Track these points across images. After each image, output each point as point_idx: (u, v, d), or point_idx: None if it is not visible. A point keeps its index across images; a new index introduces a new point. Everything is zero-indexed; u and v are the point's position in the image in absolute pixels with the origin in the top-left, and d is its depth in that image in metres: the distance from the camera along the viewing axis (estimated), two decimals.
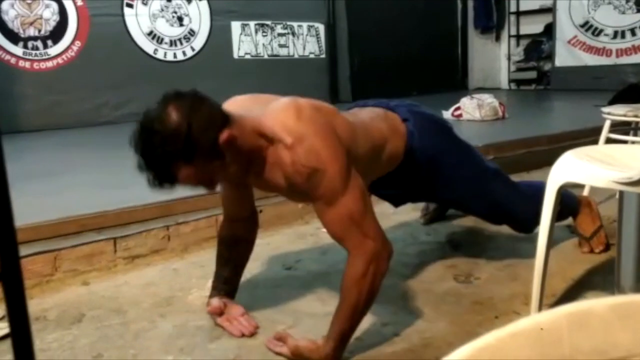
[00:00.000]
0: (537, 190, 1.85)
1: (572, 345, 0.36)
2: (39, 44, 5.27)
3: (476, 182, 1.83)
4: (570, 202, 2.06)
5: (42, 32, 5.28)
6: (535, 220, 1.82)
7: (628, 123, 2.72)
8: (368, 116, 1.68)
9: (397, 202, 2.04)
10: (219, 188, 1.60)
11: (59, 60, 5.36)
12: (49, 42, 5.31)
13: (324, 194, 1.35)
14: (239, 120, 1.36)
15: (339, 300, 1.40)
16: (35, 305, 1.85)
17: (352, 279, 1.37)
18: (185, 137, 1.24)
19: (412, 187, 1.83)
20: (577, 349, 0.36)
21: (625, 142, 2.61)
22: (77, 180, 2.99)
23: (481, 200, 1.87)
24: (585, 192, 2.41)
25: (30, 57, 5.22)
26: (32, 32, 5.23)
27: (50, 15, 5.31)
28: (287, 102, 1.41)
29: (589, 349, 0.36)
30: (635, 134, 2.77)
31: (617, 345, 0.36)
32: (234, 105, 1.51)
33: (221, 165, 1.33)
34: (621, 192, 1.60)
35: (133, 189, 2.70)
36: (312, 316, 1.69)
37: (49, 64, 5.31)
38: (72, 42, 5.40)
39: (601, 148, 1.91)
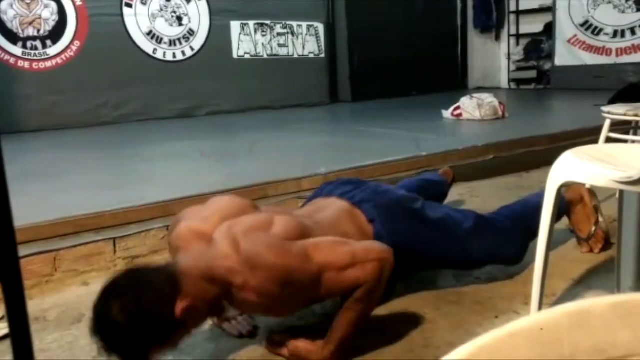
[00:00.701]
0: (520, 218, 1.88)
1: (572, 344, 0.36)
2: (38, 43, 5.27)
3: (455, 251, 1.78)
4: (560, 204, 2.04)
5: (41, 32, 5.28)
6: (521, 252, 1.86)
7: (628, 122, 2.72)
8: (333, 216, 1.64)
9: None
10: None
11: (58, 60, 5.36)
12: (48, 42, 5.31)
13: (309, 282, 1.33)
14: (188, 275, 1.28)
15: (344, 308, 1.40)
16: (34, 305, 1.85)
17: (363, 294, 1.36)
18: (140, 335, 1.20)
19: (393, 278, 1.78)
20: (577, 348, 0.36)
21: (625, 141, 2.61)
22: (77, 180, 2.98)
23: (465, 263, 1.85)
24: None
25: (29, 57, 5.22)
26: (31, 32, 5.23)
27: (49, 15, 5.31)
28: (221, 243, 1.35)
29: (589, 348, 0.36)
30: (635, 133, 2.77)
31: (616, 344, 0.35)
32: (182, 239, 1.45)
33: (189, 327, 1.30)
34: (621, 192, 1.60)
35: (132, 188, 2.71)
36: (311, 317, 1.69)
37: (48, 64, 5.32)
38: (71, 42, 5.40)
39: (601, 147, 1.91)
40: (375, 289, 1.38)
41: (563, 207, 2.06)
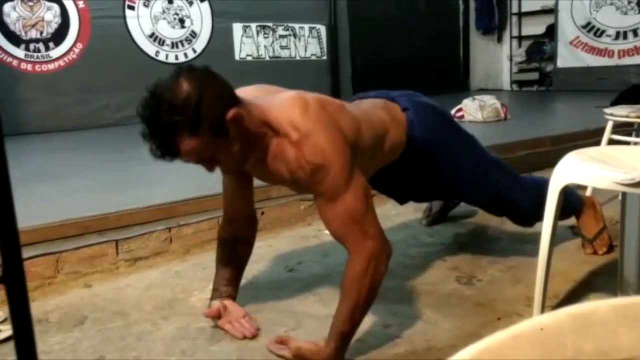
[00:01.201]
0: (540, 185, 1.85)
1: (575, 347, 0.36)
2: (41, 46, 5.28)
3: (477, 171, 1.82)
4: (574, 201, 2.05)
5: (44, 34, 5.29)
6: (536, 214, 1.81)
7: (630, 124, 2.72)
8: (369, 106, 1.69)
9: (400, 198, 2.04)
10: (219, 177, 1.59)
11: (61, 62, 5.37)
12: (51, 44, 5.32)
13: (326, 191, 1.35)
14: (246, 104, 1.37)
15: (339, 301, 1.40)
16: (37, 307, 1.85)
17: (352, 278, 1.37)
18: (194, 107, 1.25)
19: (414, 177, 1.82)
20: (580, 351, 0.36)
21: (627, 143, 2.61)
22: (79, 182, 2.99)
23: (482, 190, 1.87)
24: (588, 193, 2.41)
25: (32, 59, 5.23)
26: (34, 34, 5.24)
27: (52, 17, 5.32)
28: (294, 96, 1.42)
29: (592, 351, 0.36)
30: (637, 135, 2.76)
31: (620, 346, 0.35)
32: (241, 93, 1.50)
33: (224, 144, 1.34)
34: (624, 194, 1.59)
35: (135, 190, 2.71)
36: (314, 318, 1.69)
37: (51, 66, 5.33)
38: (74, 44, 5.41)
39: (604, 149, 1.91)
40: (364, 271, 1.35)
41: (576, 204, 2.07)
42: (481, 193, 1.89)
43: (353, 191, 1.35)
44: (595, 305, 0.37)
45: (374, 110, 1.67)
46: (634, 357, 0.36)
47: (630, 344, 0.36)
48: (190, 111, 1.25)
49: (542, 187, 1.76)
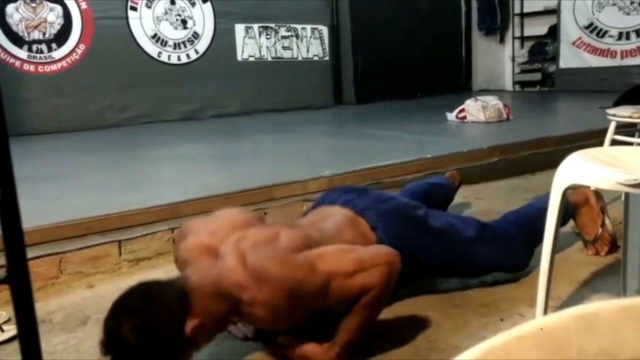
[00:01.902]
0: (524, 224, 1.88)
1: (580, 347, 0.36)
2: (44, 47, 5.29)
3: (458, 259, 1.78)
4: (566, 206, 2.04)
5: (47, 35, 5.30)
6: (526, 259, 1.87)
7: (633, 124, 2.71)
8: (336, 225, 1.65)
9: None
10: None
11: (64, 63, 5.38)
12: (54, 45, 5.33)
13: (316, 292, 1.34)
14: (198, 292, 1.28)
15: (351, 313, 1.39)
16: (40, 308, 1.85)
17: (371, 298, 1.37)
18: (155, 349, 1.20)
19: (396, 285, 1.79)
20: (585, 351, 0.36)
21: (630, 143, 2.61)
22: (82, 183, 2.99)
23: (468, 271, 1.85)
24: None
25: (34, 60, 5.25)
26: (36, 35, 5.26)
27: (54, 18, 5.33)
28: (228, 257, 1.36)
29: (597, 351, 0.36)
30: None
31: (624, 347, 0.35)
32: (190, 251, 1.46)
33: (200, 343, 1.31)
34: (627, 194, 1.59)
35: (138, 191, 2.72)
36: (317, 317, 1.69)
37: (54, 67, 5.34)
38: (77, 45, 5.42)
39: (607, 150, 1.91)
40: (383, 293, 1.39)
41: (569, 210, 2.05)
42: (469, 273, 1.87)
43: (329, 268, 1.35)
44: (600, 306, 0.37)
45: (340, 230, 1.62)
46: (638, 358, 0.36)
47: (635, 345, 0.36)
48: (153, 356, 1.20)
49: (527, 227, 1.84)
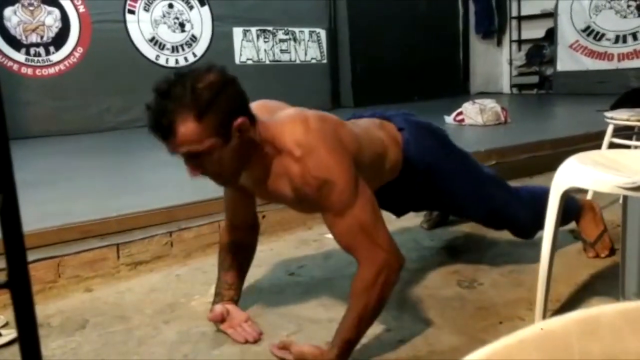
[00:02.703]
0: (538, 196, 1.86)
1: (582, 352, 0.36)
2: (42, 50, 5.29)
3: (474, 188, 1.83)
4: (572, 206, 2.05)
5: (45, 38, 5.30)
6: (535, 226, 1.85)
7: (631, 127, 2.72)
8: (367, 125, 1.70)
9: (398, 212, 2.04)
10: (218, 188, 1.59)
11: (61, 66, 5.38)
12: (52, 49, 5.33)
13: (334, 206, 1.35)
14: (255, 121, 1.38)
15: (346, 308, 1.40)
16: (38, 311, 1.83)
17: (361, 288, 1.37)
18: (212, 95, 1.25)
19: (411, 195, 1.83)
20: (587, 355, 0.36)
21: (628, 146, 2.61)
22: (80, 186, 2.99)
23: (480, 207, 1.87)
24: (588, 197, 2.41)
25: (32, 64, 5.24)
26: (34, 38, 5.26)
27: (52, 21, 5.33)
28: (294, 113, 1.42)
29: (598, 355, 0.36)
30: (638, 139, 2.76)
31: (627, 351, 0.36)
32: None
33: (220, 148, 1.31)
34: (625, 197, 1.59)
35: (136, 194, 2.71)
36: (316, 322, 1.69)
37: (51, 70, 5.33)
38: (75, 49, 5.42)
39: (605, 153, 1.91)
40: (373, 281, 1.36)
41: (575, 210, 2.07)
42: (478, 210, 1.89)
43: (360, 204, 1.36)
44: (602, 310, 0.37)
45: (371, 129, 1.68)
46: None
47: (636, 349, 0.36)
48: (206, 96, 1.25)
49: (539, 198, 1.78)
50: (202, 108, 1.25)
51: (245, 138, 1.33)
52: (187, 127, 1.26)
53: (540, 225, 1.81)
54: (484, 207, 1.88)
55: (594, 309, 0.37)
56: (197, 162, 1.34)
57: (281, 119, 1.42)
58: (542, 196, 1.87)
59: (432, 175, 1.74)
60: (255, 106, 1.51)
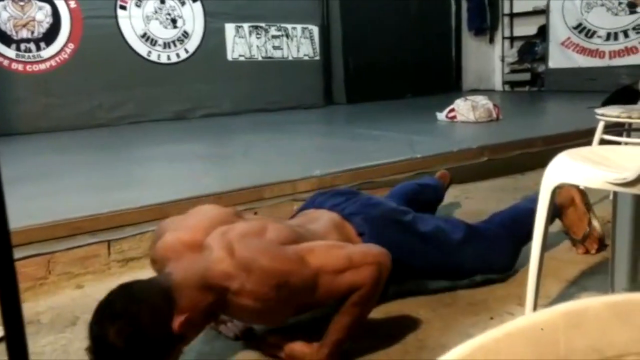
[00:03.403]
0: (512, 224, 1.89)
1: (568, 344, 0.36)
2: (32, 46, 5.25)
3: (446, 262, 1.79)
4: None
5: (35, 34, 5.26)
6: (513, 260, 1.89)
7: (621, 124, 2.73)
8: (324, 228, 1.64)
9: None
10: None
11: (52, 62, 5.34)
12: (42, 44, 5.29)
13: (304, 285, 1.33)
14: (183, 286, 1.26)
15: (340, 312, 1.40)
16: (28, 309, 1.84)
17: (360, 297, 1.37)
18: (142, 353, 1.19)
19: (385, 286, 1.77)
20: (573, 348, 0.36)
21: (619, 143, 2.62)
22: (71, 183, 2.97)
23: (456, 273, 1.86)
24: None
25: (23, 60, 5.21)
26: (25, 34, 5.22)
27: (43, 17, 5.29)
28: (216, 249, 1.34)
29: (585, 348, 0.36)
30: (628, 135, 2.78)
31: (613, 343, 0.36)
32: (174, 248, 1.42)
33: (189, 338, 1.31)
34: (615, 193, 1.60)
35: (127, 191, 2.70)
36: (306, 320, 1.68)
37: (42, 66, 5.30)
38: (66, 44, 5.39)
39: (595, 149, 1.92)
40: (372, 292, 1.38)
41: (555, 211, 2.06)
42: (457, 275, 1.88)
43: (315, 264, 1.34)
44: (588, 303, 0.37)
45: (328, 234, 1.61)
46: (627, 354, 0.36)
47: (623, 341, 0.36)
48: (142, 358, 1.19)
49: (514, 228, 1.84)
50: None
51: (191, 319, 1.25)
52: None
53: (518, 252, 1.89)
54: (460, 272, 1.86)
55: (580, 302, 0.37)
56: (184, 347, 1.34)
57: (212, 257, 1.33)
58: (516, 221, 1.88)
59: (399, 268, 1.64)
60: (181, 243, 1.41)
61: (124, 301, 1.21)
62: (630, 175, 1.21)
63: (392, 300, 1.77)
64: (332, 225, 1.67)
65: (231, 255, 1.30)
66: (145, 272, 2.12)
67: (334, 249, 1.41)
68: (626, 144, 2.64)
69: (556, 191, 1.47)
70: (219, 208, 1.56)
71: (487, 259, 1.86)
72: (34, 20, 5.25)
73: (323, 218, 1.71)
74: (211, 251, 1.34)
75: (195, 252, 1.36)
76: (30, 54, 5.24)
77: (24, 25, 5.22)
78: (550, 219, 1.98)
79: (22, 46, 5.20)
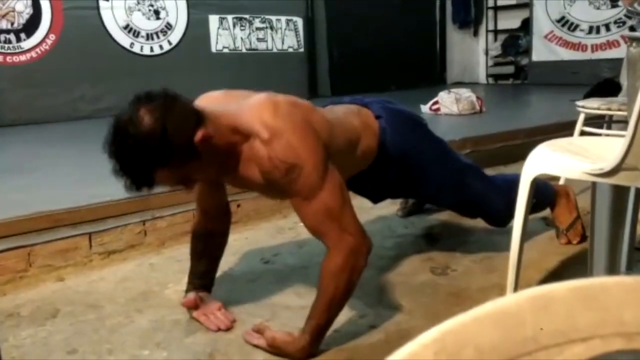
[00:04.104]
0: (512, 184, 1.87)
1: (535, 327, 0.36)
2: (12, 37, 5.17)
3: (450, 177, 1.84)
4: (547, 193, 2.08)
5: (15, 25, 5.18)
6: (510, 215, 1.86)
7: (602, 116, 2.76)
8: (342, 112, 1.69)
9: (374, 199, 2.05)
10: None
11: (33, 53, 5.27)
12: (22, 35, 5.22)
13: (302, 189, 1.35)
14: (213, 116, 1.34)
15: (316, 295, 1.41)
16: (8, 301, 1.83)
17: (330, 274, 1.38)
18: (160, 139, 1.22)
19: (386, 182, 1.83)
20: (540, 331, 0.36)
21: (599, 135, 2.65)
22: (52, 175, 2.94)
23: (455, 195, 1.88)
24: (561, 182, 2.44)
25: (2, 51, 5.13)
26: (4, 25, 5.13)
27: (23, 8, 5.21)
28: (263, 98, 1.40)
29: (551, 331, 0.36)
30: (608, 127, 2.81)
31: (578, 327, 0.36)
32: (208, 100, 1.49)
33: (198, 165, 1.33)
34: (594, 184, 1.62)
35: (109, 183, 2.67)
36: (289, 309, 1.69)
37: (23, 57, 5.22)
38: (46, 36, 5.31)
39: (575, 140, 1.94)
40: (344, 266, 1.37)
41: (550, 196, 2.10)
42: (454, 198, 1.90)
43: (328, 188, 1.36)
44: (554, 287, 0.37)
45: (346, 115, 1.67)
46: (591, 337, 0.36)
47: (588, 325, 0.37)
48: (156, 145, 1.22)
49: (514, 186, 1.79)
50: (161, 157, 1.25)
51: (213, 143, 1.32)
52: (160, 176, 1.30)
53: (514, 213, 1.86)
54: (458, 196, 1.90)
55: (547, 286, 0.38)
56: (187, 182, 1.39)
57: (250, 104, 1.40)
58: (516, 183, 1.89)
59: (408, 164, 1.74)
60: (221, 95, 1.50)
61: (163, 91, 1.28)
62: (607, 166, 1.22)
63: (374, 289, 1.78)
64: (350, 111, 1.71)
65: (275, 113, 1.35)
66: (128, 265, 2.12)
67: (344, 198, 1.40)
68: (606, 135, 2.67)
69: (536, 181, 1.49)
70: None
71: (487, 195, 1.91)
72: (13, 11, 5.17)
73: (342, 107, 1.76)
74: (256, 99, 1.40)
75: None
76: (10, 45, 5.16)
77: (4, 16, 5.13)
78: (538, 207, 2.02)
79: (2, 37, 5.12)
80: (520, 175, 1.98)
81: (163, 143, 1.23)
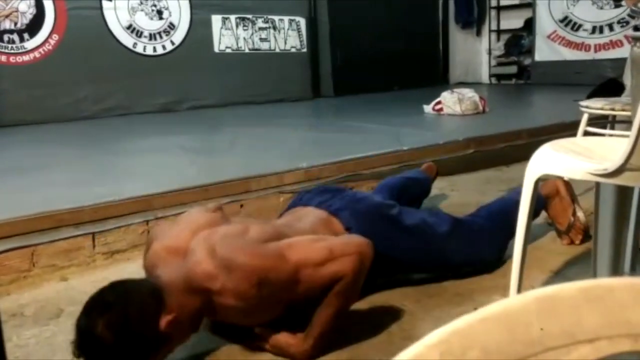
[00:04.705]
0: (499, 217, 1.90)
1: (541, 328, 0.36)
2: (15, 37, 5.19)
3: (432, 256, 1.81)
4: (538, 198, 2.06)
5: (19, 25, 5.20)
6: (500, 252, 1.91)
7: (605, 116, 2.76)
8: (311, 225, 1.66)
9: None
10: None
11: (36, 54, 5.28)
12: (26, 36, 5.23)
13: (286, 280, 1.35)
14: (168, 289, 1.29)
15: (323, 303, 1.41)
16: (12, 301, 1.83)
17: (343, 289, 1.38)
18: (129, 348, 1.20)
19: (373, 278, 1.71)
20: (546, 332, 0.36)
21: (602, 135, 2.64)
22: (55, 175, 2.95)
23: (442, 267, 1.87)
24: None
25: (6, 51, 5.14)
26: (7, 25, 5.15)
27: (26, 8, 5.23)
28: (197, 251, 1.36)
29: (558, 332, 0.36)
30: (612, 127, 2.80)
31: (584, 328, 0.36)
32: (154, 259, 1.46)
33: (174, 340, 1.31)
34: (597, 184, 1.62)
35: (113, 183, 2.68)
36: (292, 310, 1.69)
37: (26, 57, 5.24)
38: (50, 36, 5.33)
39: (578, 141, 1.93)
40: (354, 282, 1.40)
41: (540, 203, 2.08)
42: (444, 269, 1.88)
43: (296, 256, 1.36)
44: (561, 288, 0.37)
45: (314, 231, 1.61)
46: (598, 338, 0.36)
47: (595, 325, 0.37)
48: (128, 353, 1.20)
49: (504, 225, 1.82)
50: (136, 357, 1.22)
51: (179, 318, 1.27)
52: None
53: (505, 245, 1.89)
54: (448, 266, 1.87)
55: (553, 287, 0.38)
56: (171, 349, 1.35)
57: (190, 262, 1.35)
58: (504, 212, 1.89)
59: (387, 260, 1.69)
60: (162, 249, 1.45)
61: (114, 295, 1.23)
62: (610, 166, 1.22)
63: (377, 292, 1.78)
64: (319, 222, 1.69)
65: (212, 256, 1.32)
66: (131, 265, 2.11)
67: (314, 242, 1.42)
68: (610, 135, 2.66)
69: (540, 182, 1.48)
70: (206, 213, 1.57)
71: (474, 252, 1.87)
72: (17, 11, 5.19)
73: (310, 215, 1.73)
74: (194, 254, 1.36)
75: (181, 257, 1.39)
76: (14, 45, 5.18)
77: (7, 16, 5.15)
78: (534, 210, 2.00)
79: (5, 37, 5.14)
80: (507, 202, 1.98)
81: (133, 350, 1.21)
